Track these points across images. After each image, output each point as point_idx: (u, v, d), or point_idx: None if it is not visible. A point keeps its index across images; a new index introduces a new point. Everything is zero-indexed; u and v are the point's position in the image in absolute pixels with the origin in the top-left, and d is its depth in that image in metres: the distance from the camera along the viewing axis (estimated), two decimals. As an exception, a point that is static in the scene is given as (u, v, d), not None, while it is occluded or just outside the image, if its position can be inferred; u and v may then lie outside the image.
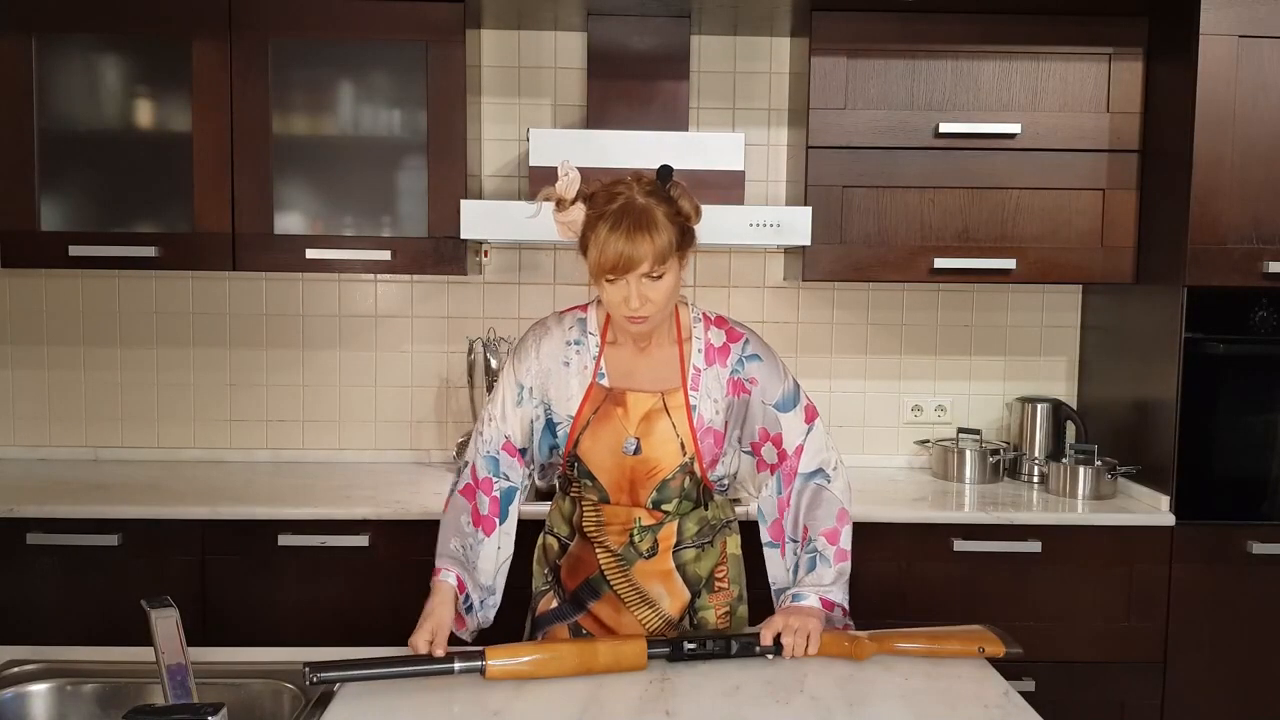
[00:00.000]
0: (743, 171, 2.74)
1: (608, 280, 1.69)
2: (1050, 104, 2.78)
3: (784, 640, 1.68)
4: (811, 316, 3.17)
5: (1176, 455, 2.64)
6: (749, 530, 1.95)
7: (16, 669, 1.63)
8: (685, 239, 1.73)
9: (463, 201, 2.63)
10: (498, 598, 1.86)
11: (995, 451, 2.98)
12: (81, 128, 2.79)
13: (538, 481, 2.01)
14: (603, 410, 1.80)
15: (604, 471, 1.82)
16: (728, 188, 2.72)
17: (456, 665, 1.57)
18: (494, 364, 2.96)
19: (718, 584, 1.89)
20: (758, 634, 1.70)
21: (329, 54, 2.77)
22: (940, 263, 2.79)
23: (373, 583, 2.56)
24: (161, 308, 3.10)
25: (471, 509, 1.84)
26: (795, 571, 1.85)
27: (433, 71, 2.73)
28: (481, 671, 1.57)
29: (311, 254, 2.74)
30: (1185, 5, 2.59)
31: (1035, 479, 2.98)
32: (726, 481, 1.91)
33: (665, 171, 1.76)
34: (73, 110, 2.78)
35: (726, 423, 1.84)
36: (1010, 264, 2.80)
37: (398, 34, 2.73)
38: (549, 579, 1.92)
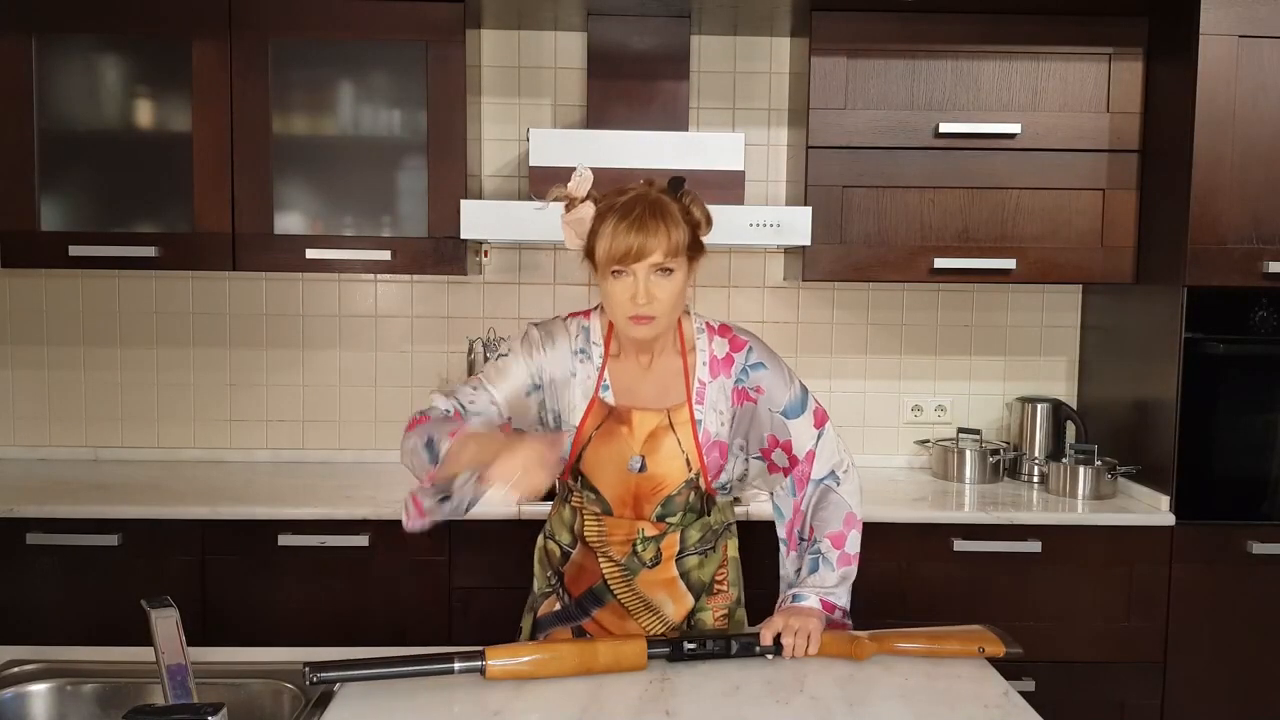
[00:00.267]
0: (743, 171, 2.74)
1: (615, 274, 1.66)
2: (1050, 104, 2.78)
3: (784, 640, 1.67)
4: (811, 316, 3.17)
5: (1176, 455, 2.64)
6: (747, 531, 1.95)
7: (16, 669, 1.63)
8: (696, 245, 1.72)
9: (463, 201, 2.62)
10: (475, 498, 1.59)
11: (995, 451, 2.98)
12: (81, 128, 2.79)
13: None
14: (606, 427, 1.76)
15: (608, 487, 1.78)
16: (728, 188, 2.71)
17: (456, 665, 1.57)
18: (494, 364, 2.95)
19: (717, 587, 1.88)
20: (758, 634, 1.69)
21: (329, 54, 2.77)
22: (940, 263, 2.79)
23: (373, 583, 2.56)
24: (161, 308, 3.10)
25: (435, 421, 1.65)
26: (799, 572, 1.84)
27: (433, 71, 2.73)
28: (481, 671, 1.56)
29: (311, 254, 2.74)
30: (1185, 5, 2.59)
31: (1035, 479, 2.98)
32: (729, 486, 1.89)
33: (677, 183, 1.74)
34: (73, 110, 2.78)
35: (731, 432, 1.81)
36: (1010, 264, 2.80)
37: (398, 34, 2.73)
38: (552, 582, 1.89)
